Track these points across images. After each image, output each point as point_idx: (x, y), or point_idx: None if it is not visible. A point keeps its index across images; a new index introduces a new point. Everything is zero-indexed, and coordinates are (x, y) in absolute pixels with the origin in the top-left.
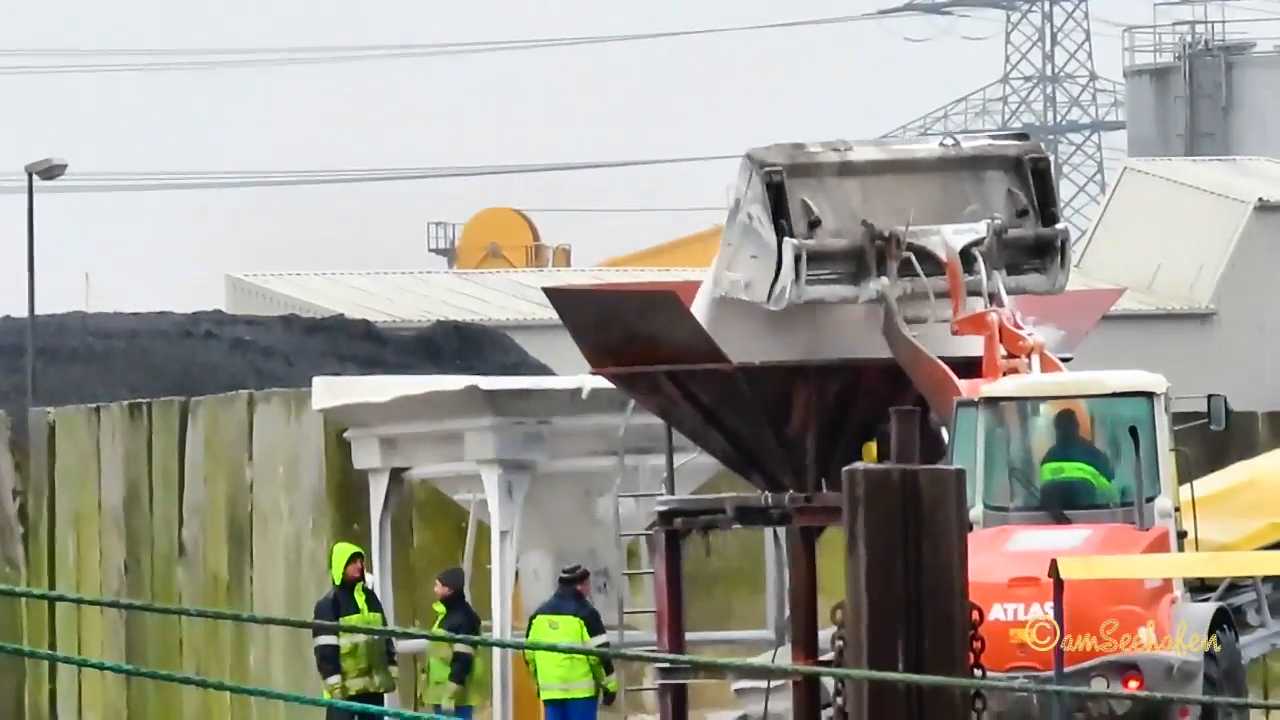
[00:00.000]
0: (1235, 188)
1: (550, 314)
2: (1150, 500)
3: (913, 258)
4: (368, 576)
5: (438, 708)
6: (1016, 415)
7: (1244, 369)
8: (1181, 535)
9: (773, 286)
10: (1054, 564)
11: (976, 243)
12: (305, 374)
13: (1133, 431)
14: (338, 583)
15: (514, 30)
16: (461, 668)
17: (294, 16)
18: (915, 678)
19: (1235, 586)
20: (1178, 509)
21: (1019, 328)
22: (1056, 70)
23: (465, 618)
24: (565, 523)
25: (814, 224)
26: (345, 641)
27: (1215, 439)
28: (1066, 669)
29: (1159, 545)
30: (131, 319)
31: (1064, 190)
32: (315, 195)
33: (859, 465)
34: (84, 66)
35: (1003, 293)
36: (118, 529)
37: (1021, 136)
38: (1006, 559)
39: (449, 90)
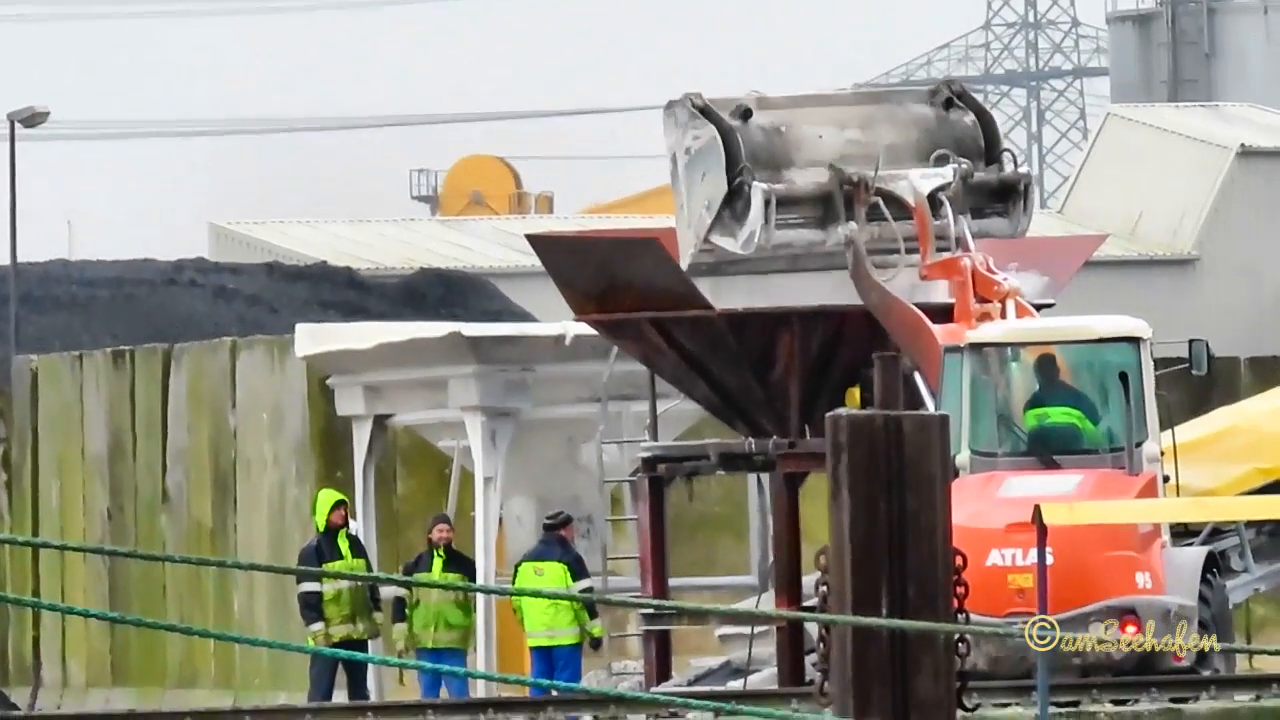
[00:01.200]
0: (1218, 134)
1: (534, 261)
2: (1139, 445)
3: (881, 202)
4: (351, 523)
5: (435, 653)
6: (1003, 361)
7: (1226, 315)
8: (1164, 480)
9: (742, 230)
10: (1037, 510)
11: (943, 187)
12: (288, 321)
13: (1123, 377)
14: (321, 529)
15: None
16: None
17: None
18: (899, 623)
19: (1218, 532)
20: (1163, 454)
21: (993, 272)
22: (1039, 16)
23: (467, 564)
24: (549, 469)
25: (745, 114)
26: (328, 589)
27: (1197, 385)
28: (1065, 614)
29: (1149, 490)
30: (115, 267)
31: (1046, 137)
32: (298, 143)
33: (842, 411)
34: (67, 15)
35: (969, 237)
36: (101, 476)
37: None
38: (1001, 505)
39: (432, 37)
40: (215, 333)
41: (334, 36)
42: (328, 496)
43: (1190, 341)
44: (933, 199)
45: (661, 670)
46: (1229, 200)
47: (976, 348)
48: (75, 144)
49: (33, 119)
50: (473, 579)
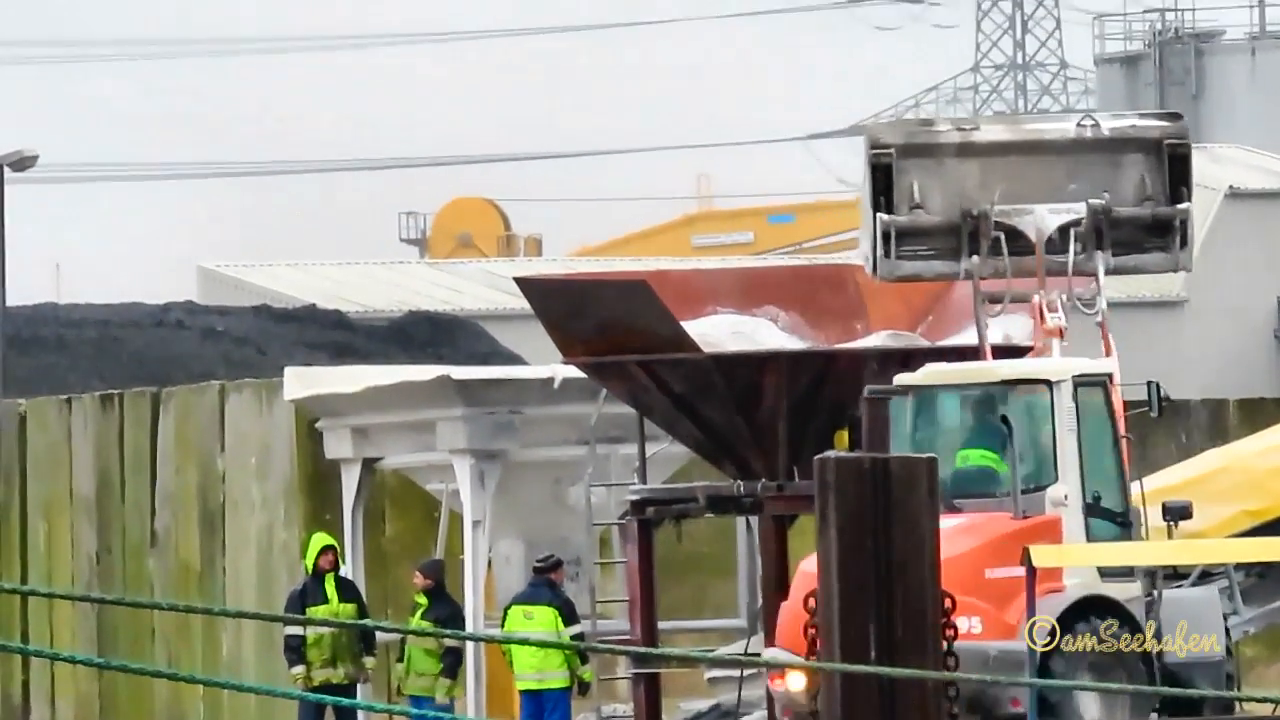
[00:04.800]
0: (1206, 175)
1: (522, 303)
2: (1040, 489)
3: (1002, 237)
4: (342, 567)
5: (415, 699)
6: (927, 404)
7: (1215, 356)
8: (1126, 525)
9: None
10: (1026, 551)
11: (1075, 223)
12: (277, 363)
13: (1005, 420)
14: (309, 573)
15: (480, 19)
16: (454, 661)
17: (262, 4)
18: (887, 670)
19: (1208, 574)
20: (1136, 496)
21: (1053, 310)
22: (1027, 58)
23: (449, 609)
24: (537, 511)
25: (914, 208)
26: (311, 632)
27: (1190, 427)
28: None
29: (1040, 533)
30: (103, 309)
31: None
32: (286, 185)
33: (830, 453)
34: (53, 57)
35: (1100, 273)
36: (89, 518)
37: (1174, 116)
38: None
39: (418, 79)
40: (203, 375)
41: (322, 80)
42: (318, 540)
43: (1147, 383)
44: (1062, 234)
45: (651, 713)
46: (1217, 241)
47: (904, 391)
48: (64, 187)
49: (21, 163)
50: (454, 618)
